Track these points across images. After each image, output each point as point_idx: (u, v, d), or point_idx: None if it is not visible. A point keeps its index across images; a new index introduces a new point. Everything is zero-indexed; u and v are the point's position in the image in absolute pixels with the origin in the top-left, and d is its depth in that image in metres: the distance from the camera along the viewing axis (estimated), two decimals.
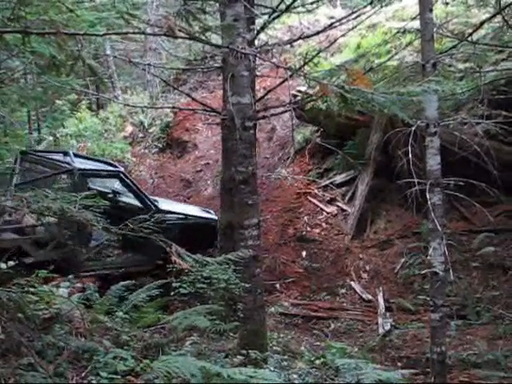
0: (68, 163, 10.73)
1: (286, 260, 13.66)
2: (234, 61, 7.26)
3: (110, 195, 11.86)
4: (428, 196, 7.21)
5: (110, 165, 12.08)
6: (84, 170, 10.77)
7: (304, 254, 13.76)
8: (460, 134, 9.49)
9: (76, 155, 11.69)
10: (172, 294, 7.28)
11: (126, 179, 11.28)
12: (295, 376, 7.20)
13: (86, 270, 10.20)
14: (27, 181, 10.48)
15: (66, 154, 11.55)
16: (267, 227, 14.43)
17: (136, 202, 11.37)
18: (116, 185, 11.99)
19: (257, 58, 9.04)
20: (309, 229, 14.40)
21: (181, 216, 11.79)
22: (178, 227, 11.25)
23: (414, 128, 7.30)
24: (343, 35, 13.31)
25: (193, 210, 12.98)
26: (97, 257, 10.67)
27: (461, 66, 12.48)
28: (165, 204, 12.35)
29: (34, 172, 10.95)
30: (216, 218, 12.55)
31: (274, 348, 8.54)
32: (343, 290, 12.55)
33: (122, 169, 11.97)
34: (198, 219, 12.17)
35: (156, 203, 11.60)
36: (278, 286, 12.91)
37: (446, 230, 8.62)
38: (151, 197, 12.18)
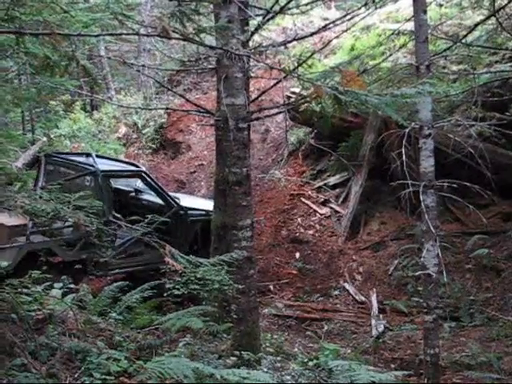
0: (91, 165, 10.88)
1: (280, 261, 13.66)
2: (228, 62, 7.27)
3: (133, 194, 12.02)
4: (421, 198, 7.22)
5: (132, 165, 12.31)
6: (107, 171, 10.92)
7: (297, 255, 13.76)
8: (454, 135, 9.53)
9: (98, 156, 11.89)
10: (165, 295, 7.26)
11: (148, 178, 11.39)
12: (288, 377, 7.20)
13: (112, 269, 10.45)
14: (52, 183, 10.56)
15: (88, 155, 11.80)
16: (261, 229, 14.43)
17: (158, 200, 11.53)
18: (138, 183, 12.10)
19: (251, 60, 9.03)
20: (302, 230, 14.40)
21: (202, 212, 11.84)
22: (200, 223, 11.61)
23: (407, 130, 7.32)
24: (337, 37, 13.33)
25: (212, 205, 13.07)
26: (123, 255, 10.71)
27: (455, 67, 12.52)
28: (186, 200, 12.46)
29: (57, 174, 11.01)
30: None
31: (268, 349, 8.53)
32: (336, 292, 12.55)
33: (144, 168, 12.08)
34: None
35: (177, 200, 11.74)
36: (271, 287, 12.91)
37: (440, 232, 8.63)
38: (173, 194, 12.35)
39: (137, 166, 12.07)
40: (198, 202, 12.89)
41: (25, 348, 4.95)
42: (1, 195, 6.23)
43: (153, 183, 11.41)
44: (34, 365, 4.71)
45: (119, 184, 12.22)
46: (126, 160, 14.02)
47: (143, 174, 11.37)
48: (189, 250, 10.75)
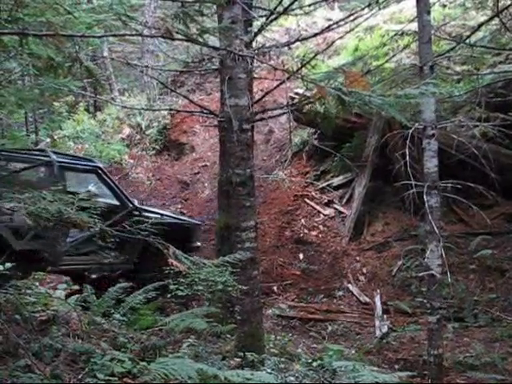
0: (46, 156, 10.64)
1: (284, 262, 13.65)
2: (231, 63, 7.26)
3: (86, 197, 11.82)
4: (425, 198, 7.21)
5: (89, 160, 11.92)
6: (62, 162, 10.61)
7: (301, 256, 13.76)
8: (457, 136, 9.51)
9: (54, 152, 11.56)
10: (169, 296, 7.26)
11: (104, 175, 11.15)
12: (292, 378, 7.19)
13: (63, 264, 10.17)
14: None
15: (42, 150, 11.58)
16: (264, 229, 14.43)
17: (113, 201, 11.19)
18: (91, 186, 11.81)
19: (254, 60, 9.06)
20: (306, 231, 14.39)
21: (157, 216, 11.65)
22: (155, 226, 11.14)
23: (411, 130, 7.31)
24: (341, 37, 13.29)
25: (168, 213, 12.92)
26: (75, 253, 10.55)
27: (458, 68, 12.52)
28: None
29: (8, 169, 10.80)
30: (195, 221, 12.75)
31: (271, 350, 8.52)
32: (340, 293, 12.54)
33: (101, 164, 11.86)
34: (173, 220, 12.04)
35: (133, 202, 11.53)
36: (275, 288, 12.90)
37: (444, 233, 8.61)
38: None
39: (94, 162, 11.81)
40: (154, 208, 12.79)
41: (29, 349, 4.95)
42: (4, 196, 6.24)
43: (109, 180, 11.16)
44: (37, 366, 4.71)
45: (73, 184, 11.91)
46: (83, 156, 13.72)
47: (99, 171, 11.10)
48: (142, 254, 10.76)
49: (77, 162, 11.36)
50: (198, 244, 12.20)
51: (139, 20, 9.46)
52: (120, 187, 11.61)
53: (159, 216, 11.44)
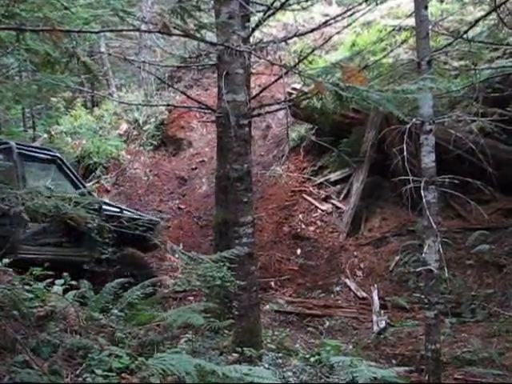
0: (4, 142, 10.52)
1: (281, 258, 13.67)
2: (228, 58, 7.26)
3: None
4: (423, 194, 7.21)
5: (49, 150, 11.64)
6: (21, 148, 10.43)
7: (299, 251, 13.77)
8: (455, 131, 9.51)
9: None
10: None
11: (64, 165, 10.94)
12: (290, 373, 7.21)
13: (21, 253, 9.84)
14: None
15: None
16: (262, 225, 14.44)
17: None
18: (48, 182, 11.56)
19: (252, 56, 9.03)
20: (304, 226, 14.41)
21: (116, 209, 11.55)
22: (114, 220, 10.73)
23: (408, 126, 7.30)
24: (338, 33, 13.29)
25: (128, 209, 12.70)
26: (34, 243, 10.38)
27: (456, 63, 12.50)
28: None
29: None
30: (157, 219, 12.59)
31: (269, 345, 8.53)
32: (338, 288, 12.55)
33: (59, 155, 11.68)
34: (134, 215, 11.79)
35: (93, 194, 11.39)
36: (272, 283, 12.92)
37: (441, 228, 8.61)
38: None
39: (53, 152, 11.56)
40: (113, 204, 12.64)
41: (26, 344, 4.95)
42: (2, 192, 6.24)
43: (68, 171, 10.95)
44: (35, 361, 4.71)
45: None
46: (43, 147, 13.51)
47: (58, 161, 10.90)
48: (105, 241, 10.64)
49: (36, 150, 11.15)
50: (158, 242, 12.02)
51: (136, 15, 9.44)
52: (80, 179, 11.43)
53: (118, 210, 11.37)
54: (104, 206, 10.89)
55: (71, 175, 11.01)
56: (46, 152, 11.23)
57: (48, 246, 10.41)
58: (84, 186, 11.15)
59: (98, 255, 10.49)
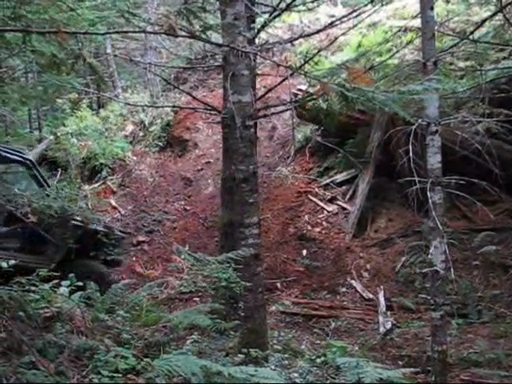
0: None
1: (287, 259, 13.66)
2: (234, 59, 7.27)
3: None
4: (429, 194, 7.20)
5: (20, 152, 11.44)
6: None
7: (305, 252, 13.77)
8: (461, 132, 9.48)
9: None
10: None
11: (34, 169, 10.84)
12: (296, 375, 7.22)
13: None
14: None
15: None
16: (268, 226, 14.44)
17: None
18: (17, 188, 11.35)
19: (257, 57, 9.05)
20: (309, 227, 14.40)
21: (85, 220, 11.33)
22: (79, 230, 10.80)
23: (414, 127, 7.29)
24: (344, 34, 13.29)
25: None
26: None
27: (462, 64, 12.47)
28: None
29: None
30: (122, 235, 12.35)
31: (275, 347, 8.55)
32: (344, 289, 12.54)
33: (31, 157, 11.55)
34: (99, 228, 11.43)
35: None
36: (278, 284, 12.91)
37: (447, 229, 8.60)
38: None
39: (24, 154, 11.39)
40: None
41: (33, 346, 4.96)
42: (9, 193, 6.26)
43: (37, 174, 10.80)
44: (42, 362, 4.71)
45: None
46: (16, 148, 13.40)
47: (29, 163, 10.80)
48: (68, 251, 10.56)
49: (7, 151, 10.94)
50: (120, 258, 11.90)
51: (142, 17, 9.47)
52: (49, 183, 11.31)
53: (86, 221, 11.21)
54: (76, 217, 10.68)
55: (41, 179, 10.89)
56: (18, 154, 11.11)
57: (10, 250, 10.32)
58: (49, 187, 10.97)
59: (56, 263, 10.36)
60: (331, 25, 11.51)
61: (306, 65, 9.70)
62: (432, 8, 7.36)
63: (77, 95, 21.36)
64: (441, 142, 7.34)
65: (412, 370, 8.53)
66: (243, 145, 7.36)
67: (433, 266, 7.29)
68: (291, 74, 10.46)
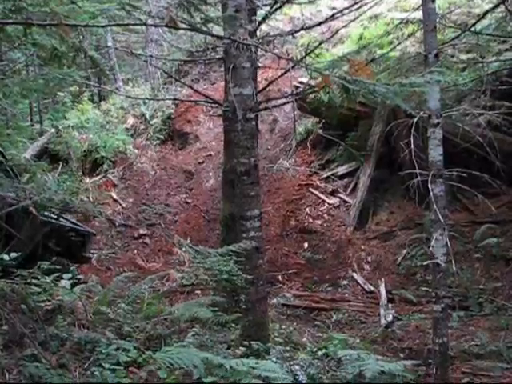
0: None
1: (288, 251, 13.67)
2: (235, 52, 7.24)
3: None
4: (430, 187, 7.19)
5: None
6: None
7: (306, 245, 13.78)
8: (462, 124, 9.47)
9: None
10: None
11: (4, 161, 10.43)
12: (297, 367, 7.21)
13: None
14: None
15: None
16: (269, 219, 14.44)
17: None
18: None
19: (258, 49, 9.03)
20: (311, 220, 14.41)
21: (53, 216, 11.16)
22: (46, 226, 10.42)
23: (416, 119, 7.28)
24: (345, 26, 13.26)
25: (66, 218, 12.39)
26: None
27: (463, 56, 12.48)
28: None
29: None
30: (91, 231, 12.20)
31: (276, 339, 8.54)
32: (345, 282, 12.55)
33: (1, 149, 11.42)
34: (66, 224, 11.54)
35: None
36: (280, 277, 12.93)
37: (449, 221, 8.59)
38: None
39: None
40: None
41: (35, 338, 4.97)
42: (11, 186, 6.26)
43: (7, 167, 10.32)
44: (44, 355, 4.73)
45: None
46: None
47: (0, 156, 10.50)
48: (35, 247, 10.48)
49: None
50: (89, 255, 11.83)
51: (143, 9, 9.44)
52: (16, 173, 10.91)
53: (55, 217, 11.12)
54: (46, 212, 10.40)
55: (10, 171, 10.50)
56: None
57: None
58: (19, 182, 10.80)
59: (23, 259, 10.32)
60: (332, 17, 11.49)
61: (308, 57, 9.68)
62: (433, 0, 7.34)
63: (78, 88, 21.38)
64: (442, 134, 7.32)
65: (413, 362, 8.51)
66: (244, 137, 7.34)
67: (434, 259, 7.28)
68: (292, 67, 10.43)
